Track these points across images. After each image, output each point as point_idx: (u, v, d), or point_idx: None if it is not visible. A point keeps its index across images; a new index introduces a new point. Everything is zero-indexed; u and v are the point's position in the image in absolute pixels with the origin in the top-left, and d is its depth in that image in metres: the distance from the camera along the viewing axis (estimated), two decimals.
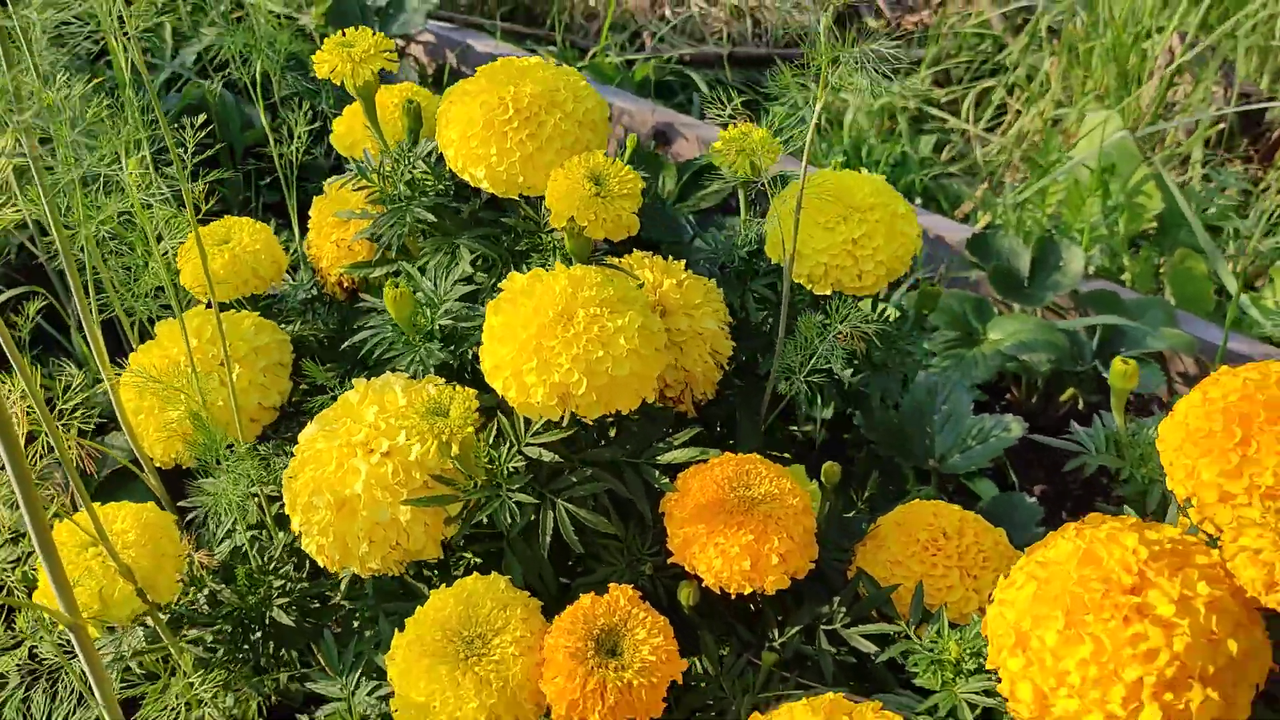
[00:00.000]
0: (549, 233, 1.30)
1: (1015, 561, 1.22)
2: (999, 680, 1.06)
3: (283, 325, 1.49)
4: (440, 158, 1.32)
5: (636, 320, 1.08)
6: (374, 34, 1.29)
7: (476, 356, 1.26)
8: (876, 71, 1.15)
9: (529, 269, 1.29)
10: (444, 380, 1.21)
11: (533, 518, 1.13)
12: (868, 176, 1.39)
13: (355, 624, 1.28)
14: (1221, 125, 3.12)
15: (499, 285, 1.28)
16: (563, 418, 1.15)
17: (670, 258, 1.34)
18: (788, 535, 1.12)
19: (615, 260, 1.27)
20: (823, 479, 1.29)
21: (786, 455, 1.47)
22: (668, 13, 3.85)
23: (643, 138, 2.91)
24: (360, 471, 1.12)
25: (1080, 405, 2.29)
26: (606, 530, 1.15)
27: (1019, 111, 3.32)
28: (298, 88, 2.09)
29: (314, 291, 1.56)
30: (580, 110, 1.24)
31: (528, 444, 1.15)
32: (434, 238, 1.32)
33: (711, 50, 3.54)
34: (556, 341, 1.06)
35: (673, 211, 2.49)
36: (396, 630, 1.08)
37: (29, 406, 1.05)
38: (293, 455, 1.26)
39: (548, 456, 1.13)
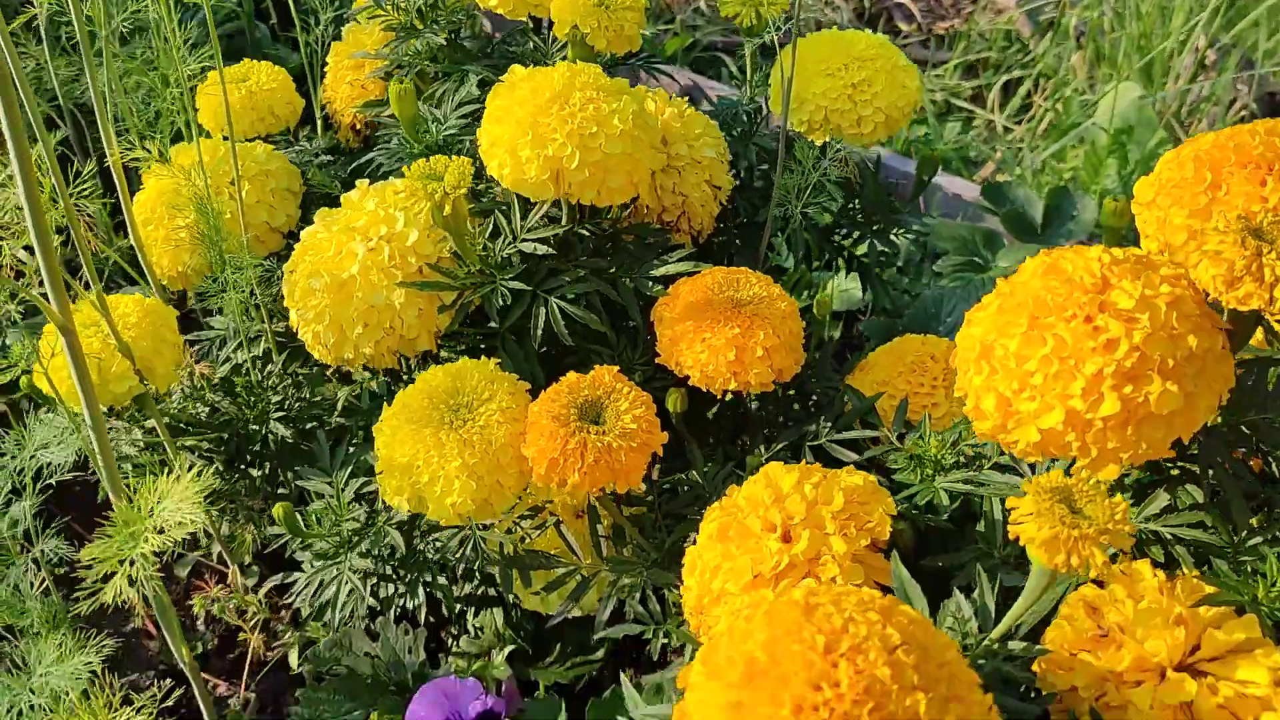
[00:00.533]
0: (559, 54, 1.33)
1: None
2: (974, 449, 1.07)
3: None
4: None
5: (631, 105, 1.11)
6: None
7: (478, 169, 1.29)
8: None
9: None
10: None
11: (524, 319, 1.15)
12: (867, 34, 1.42)
13: (351, 441, 1.30)
14: (1244, 113, 3.13)
15: None
16: (561, 215, 1.18)
17: None
18: (774, 332, 1.13)
19: None
20: (815, 310, 1.30)
21: None
22: (703, 5, 3.92)
23: None
24: (357, 254, 1.14)
25: None
26: (596, 327, 1.17)
27: (1043, 107, 3.35)
28: None
29: (329, 146, 1.60)
30: None
31: (524, 239, 1.17)
32: (444, 66, 1.35)
33: (739, 40, 3.60)
34: (552, 119, 1.08)
35: None
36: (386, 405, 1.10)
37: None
38: None
39: (542, 250, 1.16)
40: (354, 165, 1.36)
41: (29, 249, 1.00)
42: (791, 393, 1.29)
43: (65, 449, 1.10)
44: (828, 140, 1.37)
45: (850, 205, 1.48)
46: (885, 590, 0.82)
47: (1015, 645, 0.84)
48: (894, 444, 1.15)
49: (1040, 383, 0.79)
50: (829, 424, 1.19)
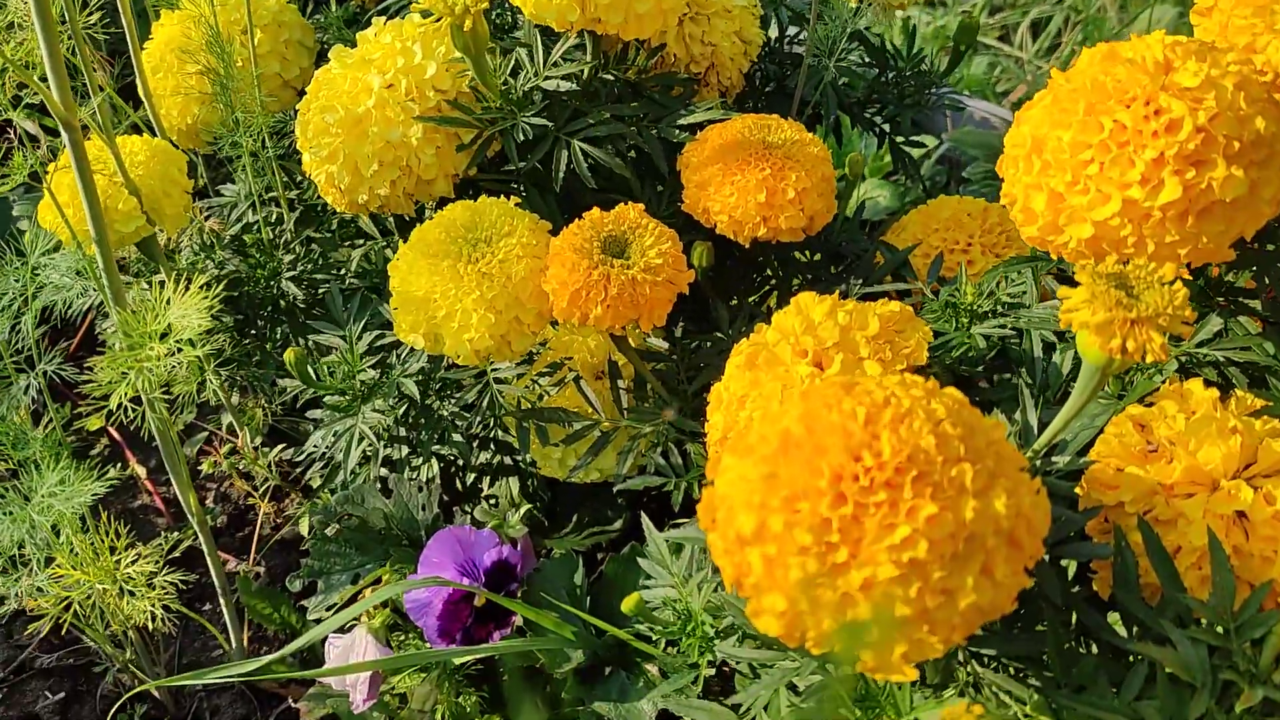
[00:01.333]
0: None
1: None
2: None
3: None
4: None
5: None
6: None
7: None
8: None
9: None
10: None
11: (546, 162, 1.11)
12: None
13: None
14: None
15: None
16: (585, 55, 1.13)
17: None
18: (806, 174, 1.09)
19: None
20: (847, 168, 1.26)
21: None
22: None
23: None
24: (373, 88, 1.10)
25: None
26: (620, 171, 1.12)
27: (1072, 48, 3.28)
28: None
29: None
30: None
31: (547, 75, 1.12)
32: None
33: None
34: None
35: None
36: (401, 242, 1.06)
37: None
38: None
39: (566, 87, 1.11)
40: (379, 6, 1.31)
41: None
42: (819, 257, 1.25)
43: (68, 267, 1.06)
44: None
45: (883, 78, 1.42)
46: None
47: (1059, 459, 0.80)
48: (928, 296, 1.10)
49: (1096, 172, 0.75)
50: (859, 282, 1.15)
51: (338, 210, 1.16)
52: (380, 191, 1.11)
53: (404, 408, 1.20)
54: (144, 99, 1.30)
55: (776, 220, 1.08)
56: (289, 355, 1.10)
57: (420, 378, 1.16)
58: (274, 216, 1.32)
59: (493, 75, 1.09)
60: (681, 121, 1.17)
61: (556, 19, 1.06)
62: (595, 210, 1.03)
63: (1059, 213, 0.77)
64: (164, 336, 0.84)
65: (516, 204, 1.08)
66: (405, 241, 1.05)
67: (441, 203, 1.18)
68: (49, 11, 0.82)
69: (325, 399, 1.17)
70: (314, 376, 1.15)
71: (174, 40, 1.28)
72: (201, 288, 0.88)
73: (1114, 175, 0.74)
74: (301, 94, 1.35)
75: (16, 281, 1.02)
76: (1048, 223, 0.78)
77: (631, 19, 1.07)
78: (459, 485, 1.34)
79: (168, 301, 0.85)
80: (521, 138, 1.08)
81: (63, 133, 0.87)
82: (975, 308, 1.04)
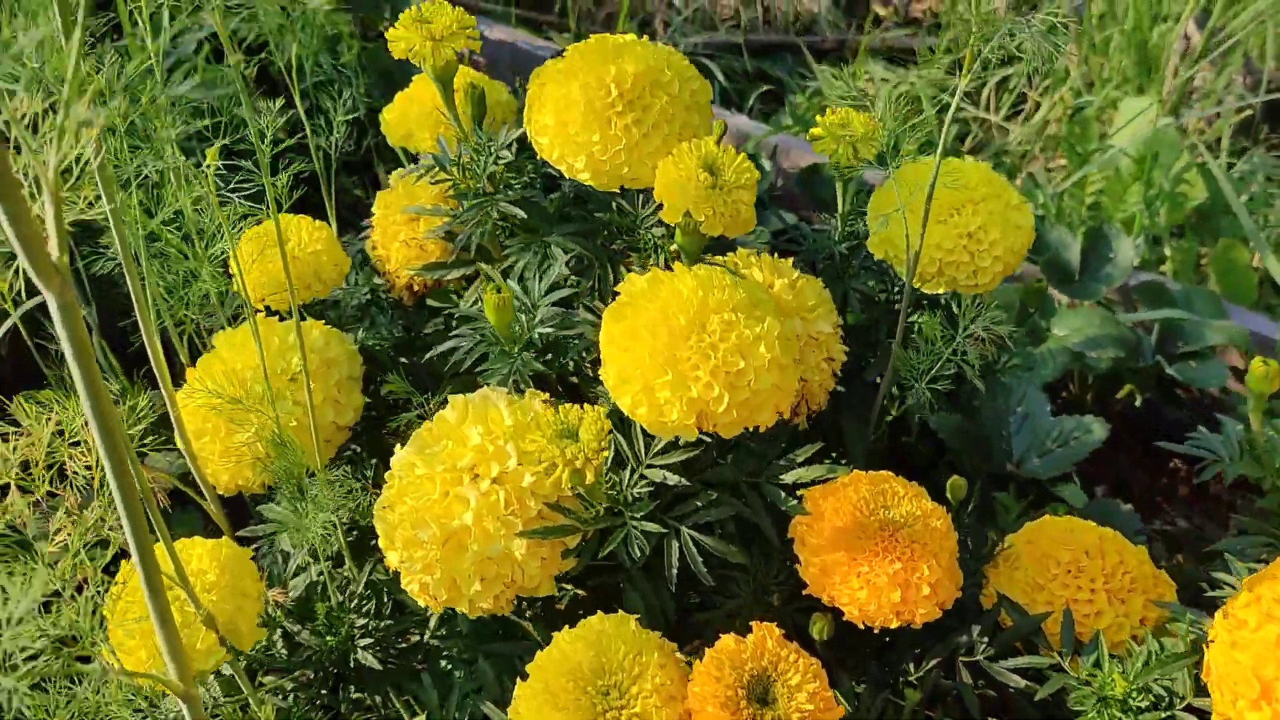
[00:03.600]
0: (648, 228, 1.20)
1: (1162, 583, 1.14)
2: None
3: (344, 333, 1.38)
4: (522, 147, 1.22)
5: (775, 327, 0.98)
6: (450, 7, 1.18)
7: (576, 367, 1.17)
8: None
9: (627, 270, 1.19)
10: (545, 395, 1.10)
11: (655, 554, 1.03)
12: (973, 164, 1.30)
13: (447, 666, 1.17)
14: (1250, 112, 3.07)
15: (597, 288, 1.18)
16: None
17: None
18: (936, 562, 1.03)
19: (719, 259, 1.16)
20: (949, 495, 1.20)
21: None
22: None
23: None
24: (469, 501, 1.01)
25: (1136, 402, 2.21)
26: (736, 559, 1.05)
27: (1038, 102, 3.26)
28: (325, 74, 1.97)
29: (368, 295, 1.45)
30: (686, 92, 1.13)
31: (649, 465, 1.04)
32: (520, 236, 1.21)
33: (723, 39, 3.44)
34: (692, 352, 0.95)
35: None
36: (519, 679, 0.98)
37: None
38: (368, 478, 1.15)
39: (673, 479, 1.03)
40: (427, 356, 1.21)
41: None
42: None
43: None
44: (941, 291, 1.25)
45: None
46: None
47: None
48: (1064, 666, 1.05)
49: None
50: (984, 638, 1.09)
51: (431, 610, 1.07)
52: (482, 605, 1.03)
53: None
54: (185, 453, 1.19)
55: (911, 614, 1.02)
56: None
57: None
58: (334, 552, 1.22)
59: (601, 482, 1.00)
60: (784, 479, 1.10)
61: (670, 434, 0.98)
62: (729, 641, 0.97)
63: None
64: None
65: (637, 621, 1.00)
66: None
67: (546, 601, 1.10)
68: (164, 597, 0.72)
69: None
70: None
71: (215, 386, 1.17)
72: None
73: None
74: (353, 430, 1.26)
75: None
76: None
77: (749, 423, 0.99)
78: None
79: None
80: (638, 552, 1.00)
81: (182, 704, 0.77)
82: (1127, 700, 1.00)
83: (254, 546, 1.29)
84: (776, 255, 1.23)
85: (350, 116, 1.57)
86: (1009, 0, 3.71)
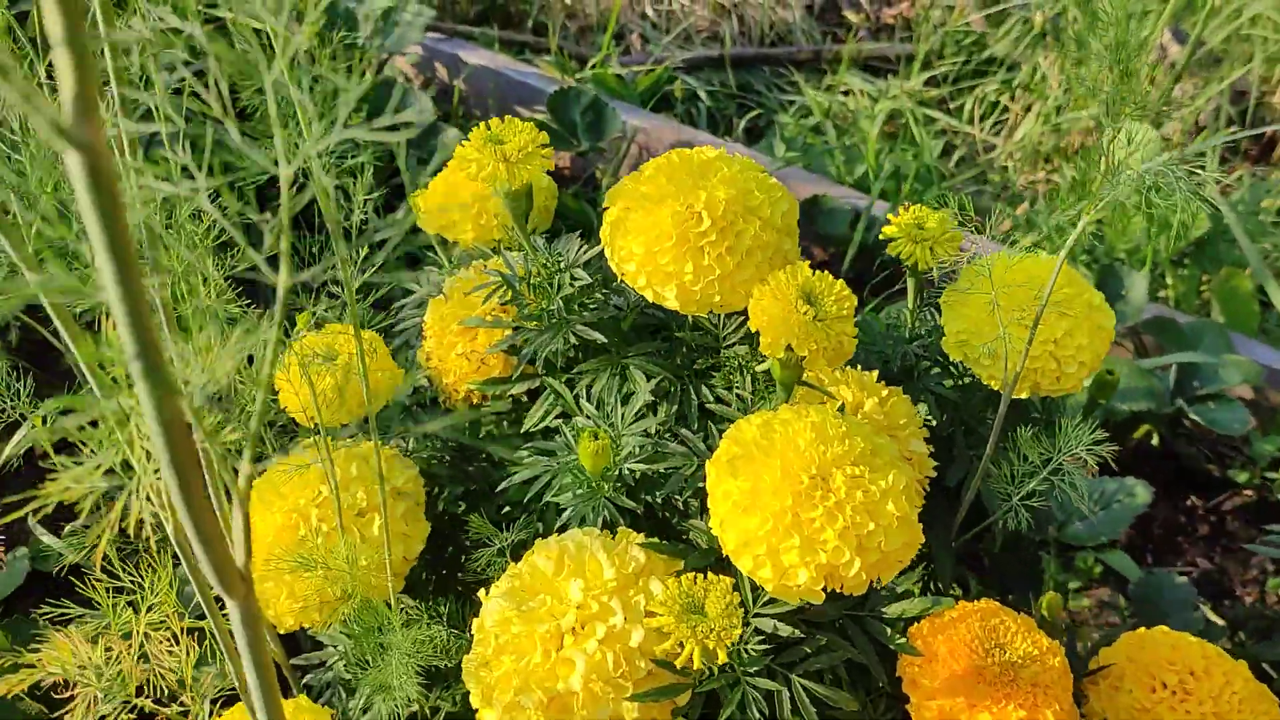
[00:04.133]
0: (729, 346, 1.15)
1: (1267, 702, 1.13)
2: None
3: (388, 443, 1.32)
4: (590, 260, 1.16)
5: (901, 480, 0.93)
6: (523, 125, 1.11)
7: (666, 503, 1.11)
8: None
9: (710, 390, 1.14)
10: (640, 535, 1.05)
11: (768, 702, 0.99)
12: (1052, 261, 1.26)
13: None
14: (1233, 128, 3.09)
15: (680, 411, 1.13)
16: None
17: None
18: (1059, 706, 1.00)
19: (815, 380, 1.12)
20: (1045, 612, 1.17)
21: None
22: (648, 10, 3.68)
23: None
24: (576, 663, 0.95)
25: (1155, 442, 2.21)
26: (850, 708, 1.01)
27: (1020, 114, 3.26)
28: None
29: (411, 394, 1.38)
30: (778, 215, 1.08)
31: (757, 614, 1.00)
32: (596, 357, 1.15)
33: (702, 55, 3.38)
34: (818, 513, 0.90)
35: None
36: None
37: None
38: (441, 613, 1.10)
39: (785, 631, 0.99)
40: (501, 486, 1.15)
41: None
42: None
43: None
44: (1025, 396, 1.22)
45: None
46: None
47: None
48: None
49: None
50: None
51: None
52: None
53: None
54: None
55: None
56: None
57: None
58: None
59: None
60: (887, 614, 1.06)
61: (802, 596, 0.93)
62: None
63: None
64: None
65: None
66: None
67: None
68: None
69: None
70: None
71: (282, 535, 1.10)
72: None
73: None
74: (421, 560, 1.19)
75: None
76: None
77: (876, 579, 0.95)
78: None
79: None
80: (757, 715, 0.95)
81: None
82: None
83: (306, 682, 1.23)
84: (859, 368, 1.18)
85: (371, 196, 1.49)
86: (976, 1, 3.71)
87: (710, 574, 0.91)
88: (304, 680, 1.24)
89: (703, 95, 3.20)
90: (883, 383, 1.18)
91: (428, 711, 1.16)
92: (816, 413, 0.97)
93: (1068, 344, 1.19)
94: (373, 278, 1.85)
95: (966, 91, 3.34)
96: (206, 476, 0.53)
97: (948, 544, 1.24)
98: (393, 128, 2.39)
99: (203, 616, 0.94)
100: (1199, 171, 1.06)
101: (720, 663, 0.91)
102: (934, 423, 1.30)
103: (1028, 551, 1.55)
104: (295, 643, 1.37)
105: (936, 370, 1.30)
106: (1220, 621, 1.62)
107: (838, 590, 0.94)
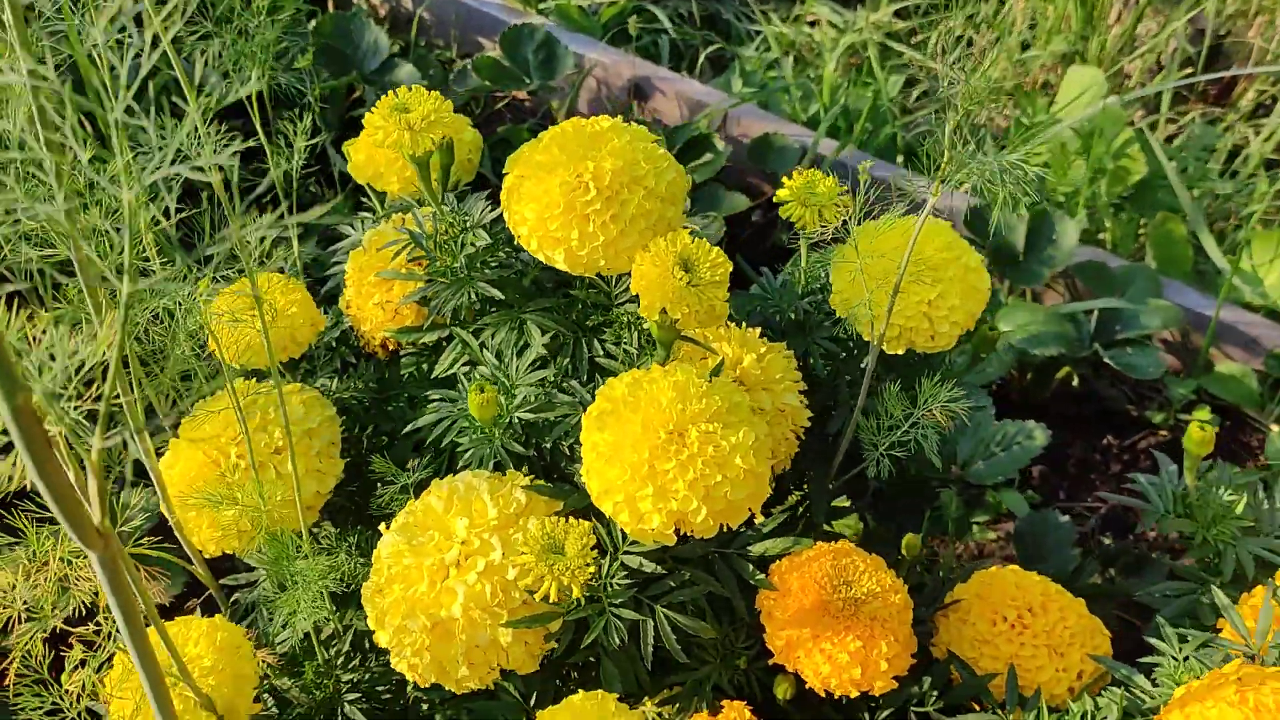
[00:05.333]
0: (621, 305, 1.24)
1: (1099, 636, 1.24)
2: None
3: (314, 383, 1.41)
4: (496, 219, 1.24)
5: (750, 436, 1.03)
6: (430, 94, 1.18)
7: (554, 448, 1.21)
8: None
9: (602, 345, 1.23)
10: (526, 477, 1.15)
11: (632, 633, 1.10)
12: (936, 226, 1.34)
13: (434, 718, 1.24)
14: (1189, 70, 3.13)
15: (572, 365, 1.22)
16: None
17: None
18: (894, 638, 1.11)
19: (702, 337, 1.21)
20: (904, 552, 1.28)
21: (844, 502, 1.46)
22: None
23: (618, 92, 2.80)
24: (457, 593, 1.06)
25: (1075, 383, 2.31)
26: (708, 635, 1.13)
27: (985, 49, 3.29)
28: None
29: (338, 337, 1.47)
30: (662, 185, 1.16)
31: (626, 552, 1.10)
32: (497, 311, 1.24)
33: None
34: (671, 465, 1.00)
35: None
36: None
37: None
38: (351, 543, 1.20)
39: (649, 567, 1.10)
40: (405, 430, 1.25)
41: None
42: None
43: None
44: (900, 352, 1.31)
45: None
46: None
47: None
48: (1002, 717, 1.15)
49: None
50: (934, 690, 1.19)
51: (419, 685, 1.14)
52: (469, 685, 1.09)
53: None
54: (168, 516, 1.22)
55: (869, 686, 1.11)
56: None
57: None
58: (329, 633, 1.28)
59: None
60: (752, 552, 1.17)
61: (655, 538, 1.04)
62: None
63: None
64: None
65: (616, 704, 1.07)
66: None
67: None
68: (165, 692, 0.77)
69: None
70: None
71: (202, 471, 1.21)
72: None
73: None
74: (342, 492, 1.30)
75: None
76: None
77: (723, 523, 1.05)
78: None
79: None
80: (617, 640, 1.07)
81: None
82: None
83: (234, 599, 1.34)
84: (745, 326, 1.27)
85: (312, 142, 1.57)
86: None
87: (573, 518, 1.01)
88: (232, 599, 1.35)
89: (668, 26, 3.22)
90: (764, 339, 1.27)
91: (340, 628, 1.28)
92: (682, 372, 1.06)
93: (940, 305, 1.28)
94: (317, 221, 1.93)
95: (935, 25, 3.37)
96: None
97: (824, 486, 1.35)
98: (345, 65, 2.42)
99: None
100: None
101: (574, 598, 1.02)
102: (822, 374, 1.40)
103: (922, 490, 1.66)
104: (231, 563, 1.48)
105: (829, 324, 1.39)
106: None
107: (689, 534, 1.04)
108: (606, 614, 1.08)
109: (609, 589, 1.09)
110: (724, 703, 1.07)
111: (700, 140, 2.43)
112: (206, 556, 1.26)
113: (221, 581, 1.35)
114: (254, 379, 1.33)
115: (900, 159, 2.86)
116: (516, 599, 1.08)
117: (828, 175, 1.32)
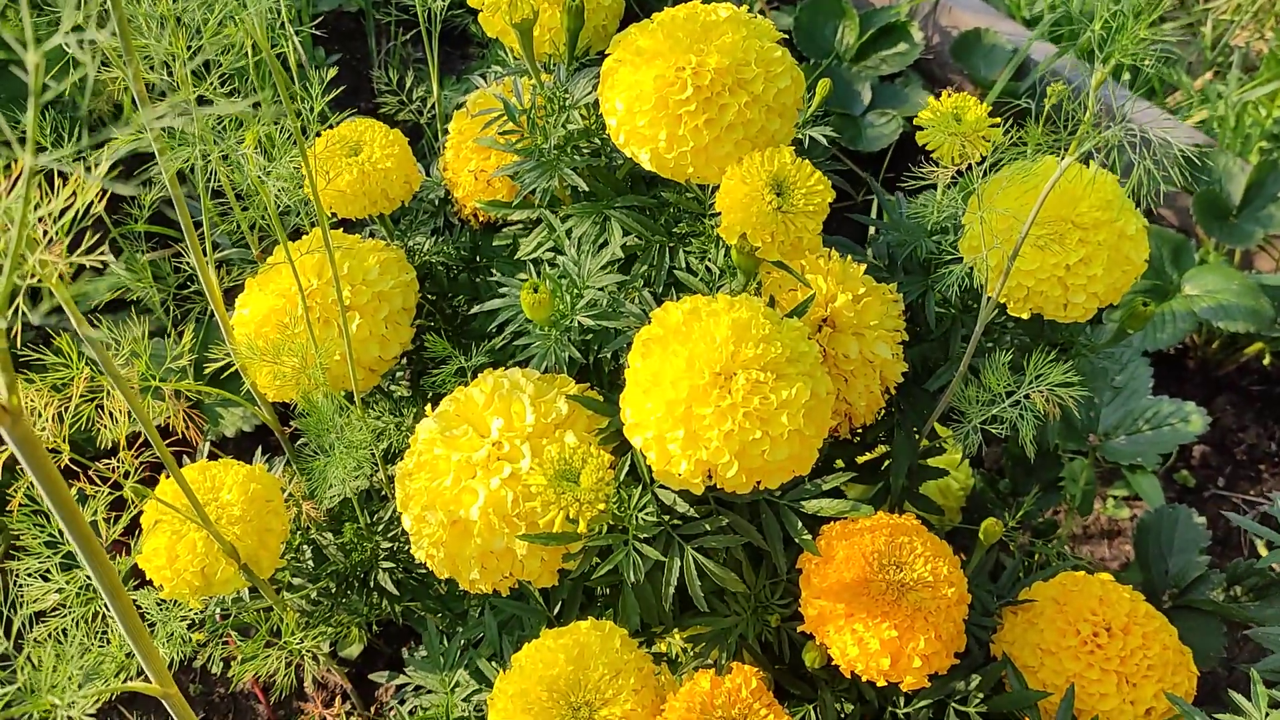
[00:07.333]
0: (713, 216, 1.13)
1: (1182, 672, 1.10)
2: None
3: (407, 241, 1.37)
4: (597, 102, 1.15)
5: (804, 394, 0.93)
6: None
7: (614, 360, 1.14)
8: None
9: (686, 257, 1.14)
10: (577, 386, 1.09)
11: (656, 568, 1.04)
12: (1098, 178, 1.16)
13: (460, 603, 1.23)
14: None
15: (653, 273, 1.13)
16: None
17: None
18: (935, 635, 1.01)
19: (797, 267, 1.09)
20: (981, 536, 1.16)
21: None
22: None
23: None
24: (478, 494, 1.02)
25: (1266, 361, 2.06)
26: (735, 588, 1.05)
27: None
28: None
29: (444, 195, 1.42)
30: (771, 92, 1.03)
31: (662, 486, 1.03)
32: (583, 202, 1.15)
33: None
34: (709, 411, 0.91)
35: (849, 74, 2.23)
36: (500, 671, 1.02)
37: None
38: (406, 414, 1.17)
39: (682, 506, 1.02)
40: (472, 310, 1.20)
41: None
42: None
43: None
44: (1024, 316, 1.16)
45: None
46: None
47: None
48: None
49: None
50: (980, 692, 1.09)
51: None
52: (481, 587, 1.06)
53: None
54: (235, 362, 1.22)
55: (899, 679, 1.02)
56: None
57: None
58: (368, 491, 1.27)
59: (609, 510, 1.00)
60: (805, 508, 1.07)
61: (680, 484, 0.96)
62: (704, 681, 0.98)
63: None
64: None
65: (624, 638, 1.02)
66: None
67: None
68: (129, 608, 0.77)
69: None
70: None
71: (271, 317, 1.19)
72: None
73: None
74: (399, 360, 1.27)
75: None
76: None
77: (761, 481, 0.96)
78: None
79: None
80: (633, 577, 1.00)
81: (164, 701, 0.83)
82: None
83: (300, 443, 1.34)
84: (849, 258, 1.15)
85: None
86: None
87: (594, 449, 0.94)
88: (298, 443, 1.36)
89: None
90: (870, 276, 1.14)
91: (385, 479, 1.27)
92: (747, 308, 0.96)
93: (1080, 272, 1.12)
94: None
95: None
96: None
97: (913, 444, 1.23)
98: None
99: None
100: None
101: (580, 531, 0.96)
102: (933, 324, 1.26)
103: (1046, 459, 1.52)
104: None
105: (956, 269, 1.24)
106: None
107: (719, 487, 0.96)
108: (629, 549, 1.02)
109: (636, 521, 1.02)
110: (733, 665, 1.00)
111: (895, 28, 2.22)
112: (270, 400, 1.26)
113: (285, 427, 1.36)
114: (341, 229, 1.30)
115: (1126, 77, 2.56)
116: (538, 513, 1.03)
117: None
